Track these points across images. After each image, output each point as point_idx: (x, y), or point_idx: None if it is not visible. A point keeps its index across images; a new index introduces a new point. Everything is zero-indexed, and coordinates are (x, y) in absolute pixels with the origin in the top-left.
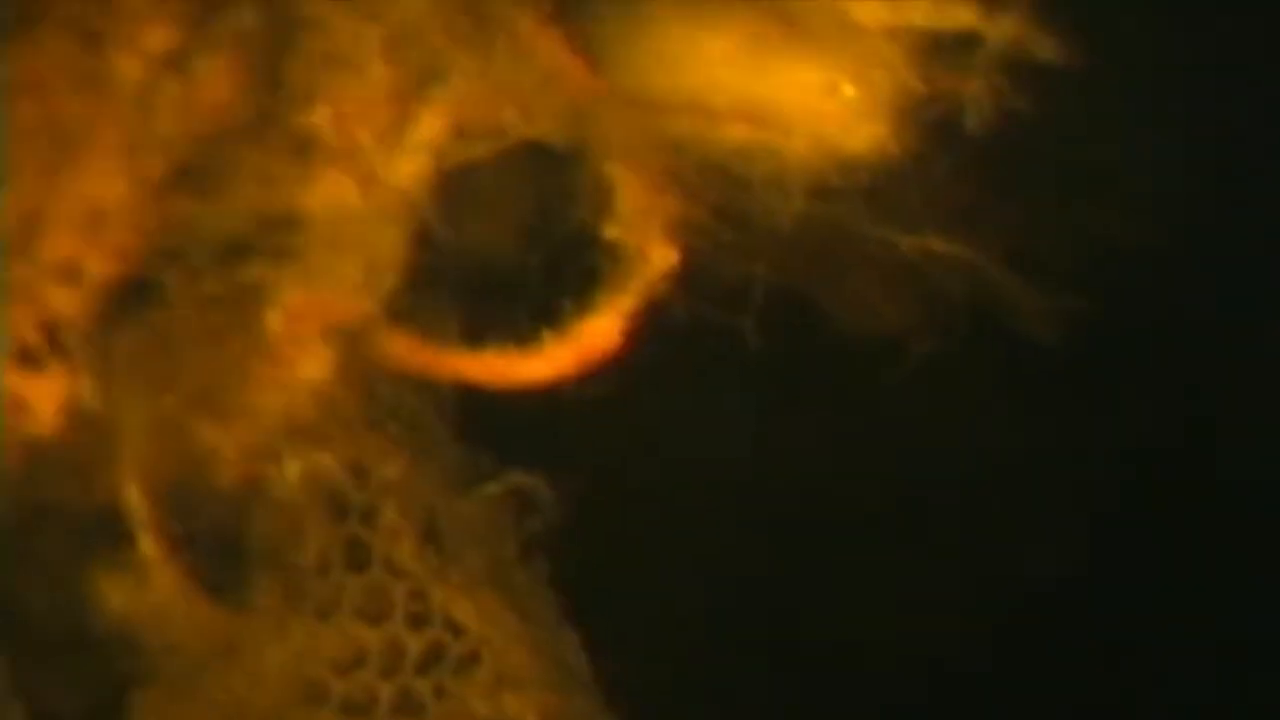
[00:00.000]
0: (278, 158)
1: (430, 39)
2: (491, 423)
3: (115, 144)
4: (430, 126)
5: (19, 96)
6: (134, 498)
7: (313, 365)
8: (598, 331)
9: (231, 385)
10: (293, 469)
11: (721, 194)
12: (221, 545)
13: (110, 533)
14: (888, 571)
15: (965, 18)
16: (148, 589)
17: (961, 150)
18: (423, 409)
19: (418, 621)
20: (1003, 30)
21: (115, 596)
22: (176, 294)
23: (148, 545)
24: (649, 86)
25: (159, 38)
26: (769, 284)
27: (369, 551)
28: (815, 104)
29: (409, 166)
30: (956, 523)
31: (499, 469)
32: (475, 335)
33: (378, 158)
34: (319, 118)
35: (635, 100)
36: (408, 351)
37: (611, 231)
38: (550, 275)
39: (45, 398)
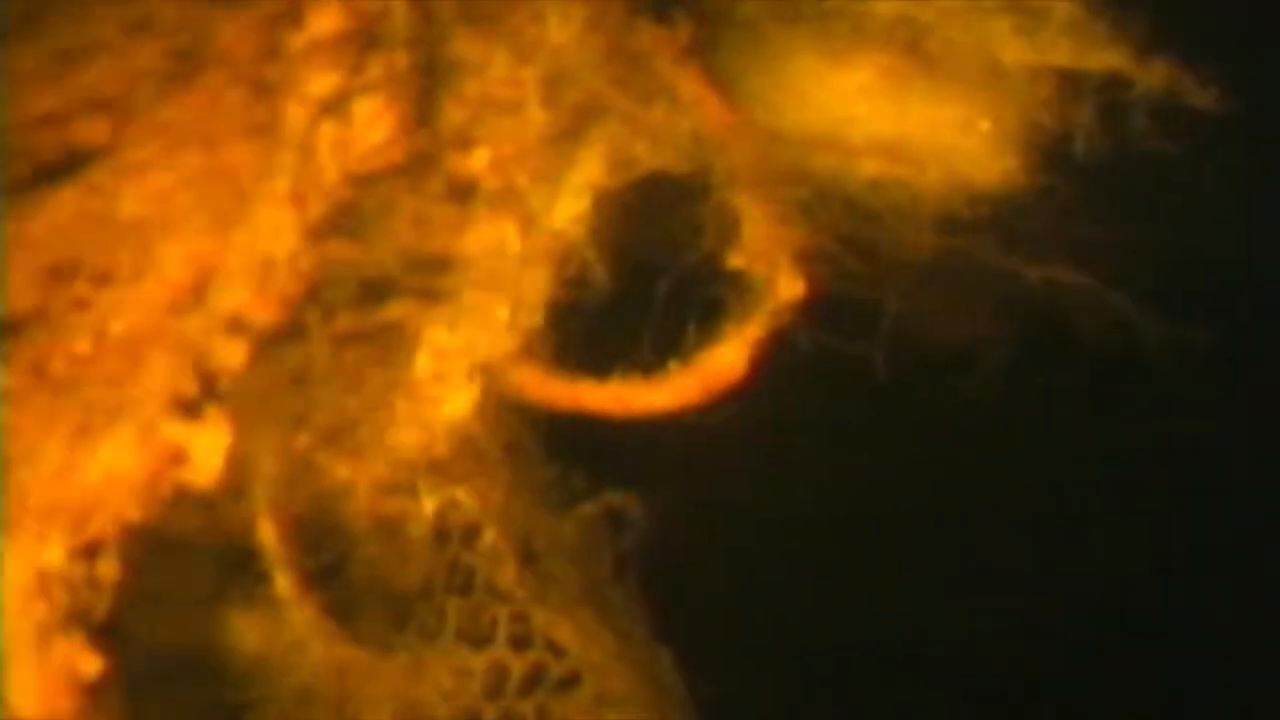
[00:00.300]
0: (433, 200)
1: (584, 80)
2: (585, 443)
3: (284, 193)
4: (590, 168)
5: (186, 146)
6: (268, 535)
7: (457, 403)
8: (723, 360)
9: (369, 422)
10: (428, 504)
11: (850, 225)
12: (352, 580)
13: (243, 570)
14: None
15: (1112, 60)
16: (283, 626)
17: (1090, 184)
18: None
19: (520, 644)
20: (1153, 75)
21: (248, 634)
22: (313, 333)
23: (283, 583)
24: (784, 120)
25: (321, 83)
26: (896, 313)
27: (472, 576)
28: (950, 139)
29: (569, 209)
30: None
31: (593, 489)
32: (600, 365)
33: (536, 200)
34: (477, 161)
35: (770, 133)
36: (535, 384)
37: (737, 261)
38: (676, 305)
39: (206, 448)
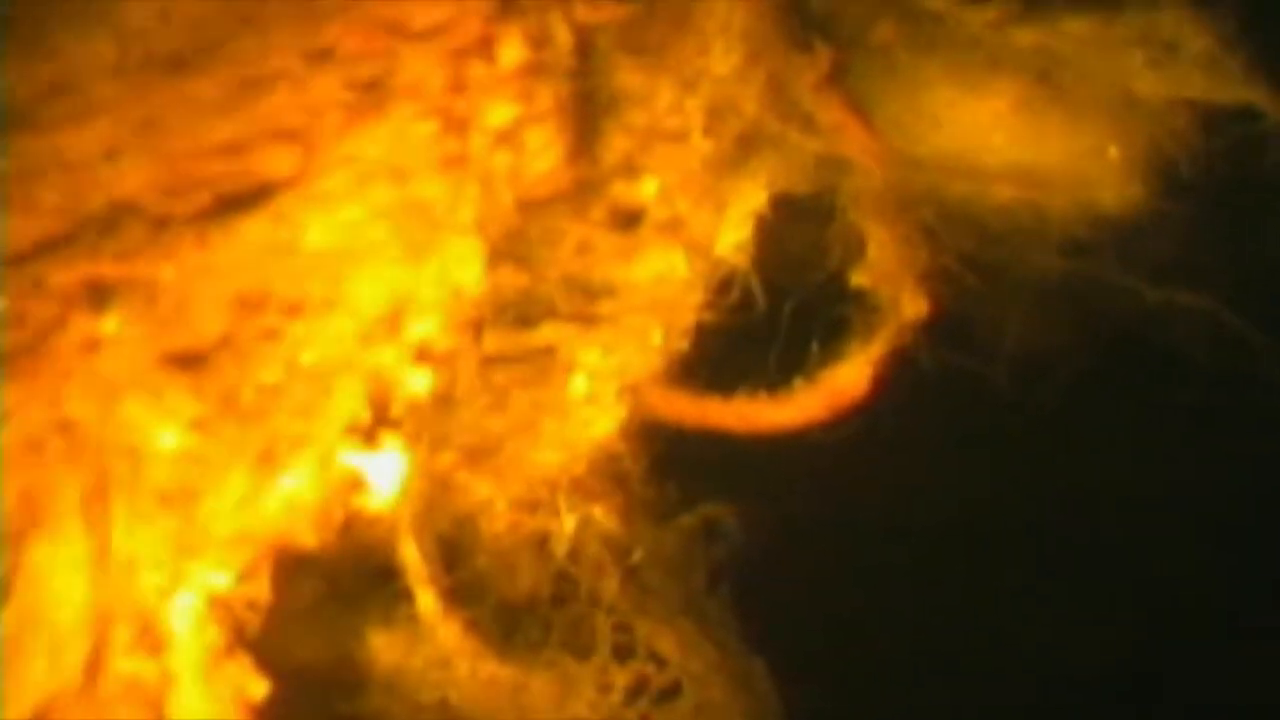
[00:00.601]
0: (597, 227)
1: (746, 110)
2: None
3: (469, 222)
4: (752, 196)
5: (375, 178)
6: (410, 553)
7: (604, 424)
8: (847, 378)
9: (513, 442)
10: (569, 522)
11: (976, 247)
12: (493, 597)
13: (383, 588)
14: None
15: (1244, 94)
16: (425, 643)
17: (1215, 211)
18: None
19: (623, 654)
20: None
21: (389, 651)
22: (462, 355)
23: (425, 600)
24: (920, 146)
25: (501, 114)
26: (1020, 333)
27: (576, 587)
28: (1079, 165)
29: (732, 236)
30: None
31: (691, 500)
32: (727, 383)
33: (701, 227)
34: (645, 189)
35: (906, 159)
36: (663, 401)
37: (862, 280)
38: (801, 323)
39: (382, 474)
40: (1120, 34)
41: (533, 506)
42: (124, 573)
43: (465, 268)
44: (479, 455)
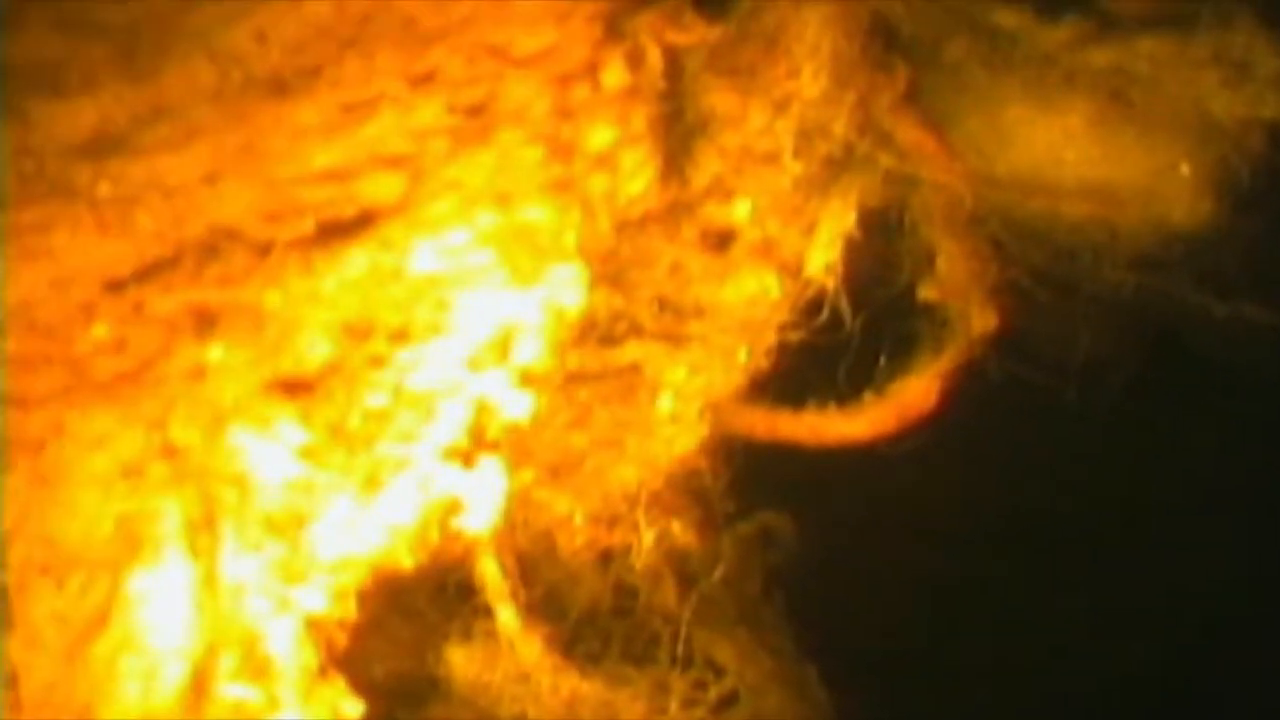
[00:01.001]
0: (689, 248)
1: (835, 132)
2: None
3: (573, 247)
4: (841, 218)
5: (480, 204)
6: (490, 570)
7: (687, 441)
8: (916, 391)
9: (594, 459)
10: (648, 537)
11: (1047, 262)
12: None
13: (462, 604)
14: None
15: None
16: (505, 659)
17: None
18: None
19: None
20: None
21: (469, 667)
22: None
23: (506, 616)
24: (993, 163)
25: (601, 137)
26: (1090, 347)
27: (635, 596)
28: (1151, 183)
29: (822, 257)
30: None
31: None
32: (796, 396)
33: (793, 248)
34: (739, 211)
35: (982, 177)
36: (733, 414)
37: (931, 294)
38: (870, 336)
39: (481, 496)
40: (1194, 54)
41: (611, 522)
42: (230, 599)
43: (569, 292)
44: (559, 471)
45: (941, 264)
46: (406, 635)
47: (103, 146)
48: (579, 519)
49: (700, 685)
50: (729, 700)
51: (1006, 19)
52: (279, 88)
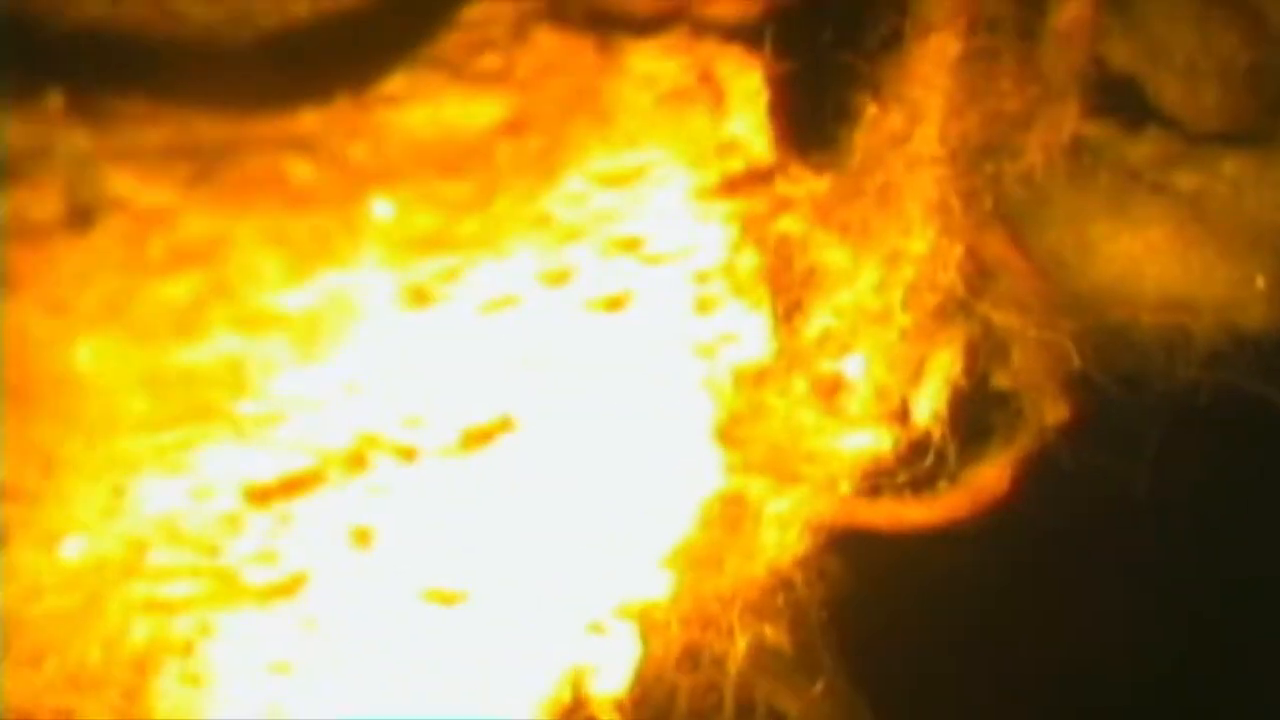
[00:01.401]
0: (800, 402)
1: (941, 284)
2: None
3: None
4: (949, 365)
5: None
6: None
7: (785, 558)
8: (989, 478)
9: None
10: (741, 642)
11: (1121, 358)
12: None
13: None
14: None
15: None
16: None
17: None
18: None
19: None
20: None
21: None
22: None
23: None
24: (1074, 274)
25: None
26: (1161, 440)
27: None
28: (1227, 293)
29: (930, 406)
30: None
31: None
32: (871, 482)
33: (901, 398)
34: (852, 365)
35: (1065, 291)
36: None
37: (1004, 382)
38: (945, 423)
39: (613, 661)
40: (1273, 175)
41: (704, 625)
42: None
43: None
44: None
45: (1016, 355)
46: None
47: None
48: (674, 625)
49: None
50: None
51: (1090, 131)
52: (418, 297)
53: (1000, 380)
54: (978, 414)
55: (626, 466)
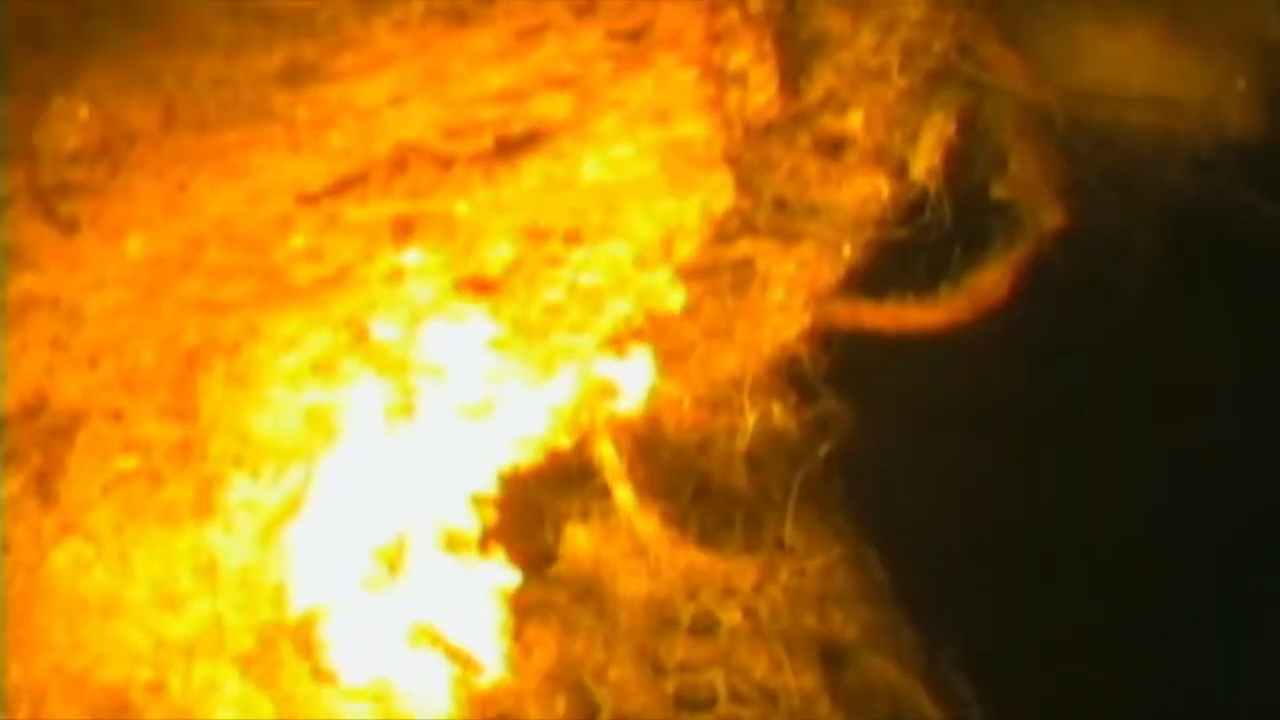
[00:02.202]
0: (805, 155)
1: (934, 48)
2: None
3: (720, 155)
4: (943, 126)
5: (642, 120)
6: (606, 451)
7: (791, 330)
8: (989, 283)
9: (703, 347)
10: (750, 419)
11: (1110, 163)
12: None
13: (580, 485)
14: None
15: None
16: (623, 536)
17: None
18: None
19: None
20: None
21: (588, 545)
22: None
23: (623, 495)
24: (1064, 75)
25: (740, 57)
26: (1150, 243)
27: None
28: (1211, 93)
29: (925, 162)
30: None
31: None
32: (876, 286)
33: (900, 154)
34: (852, 121)
35: (1056, 88)
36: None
37: (1003, 192)
38: (946, 231)
39: (634, 382)
40: None
41: (715, 405)
42: (423, 480)
43: (720, 196)
44: (670, 359)
45: (1014, 165)
46: (530, 518)
47: (297, 75)
48: (687, 403)
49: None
50: (799, 577)
51: None
52: (458, 17)
53: (999, 190)
54: (978, 222)
55: (650, 186)
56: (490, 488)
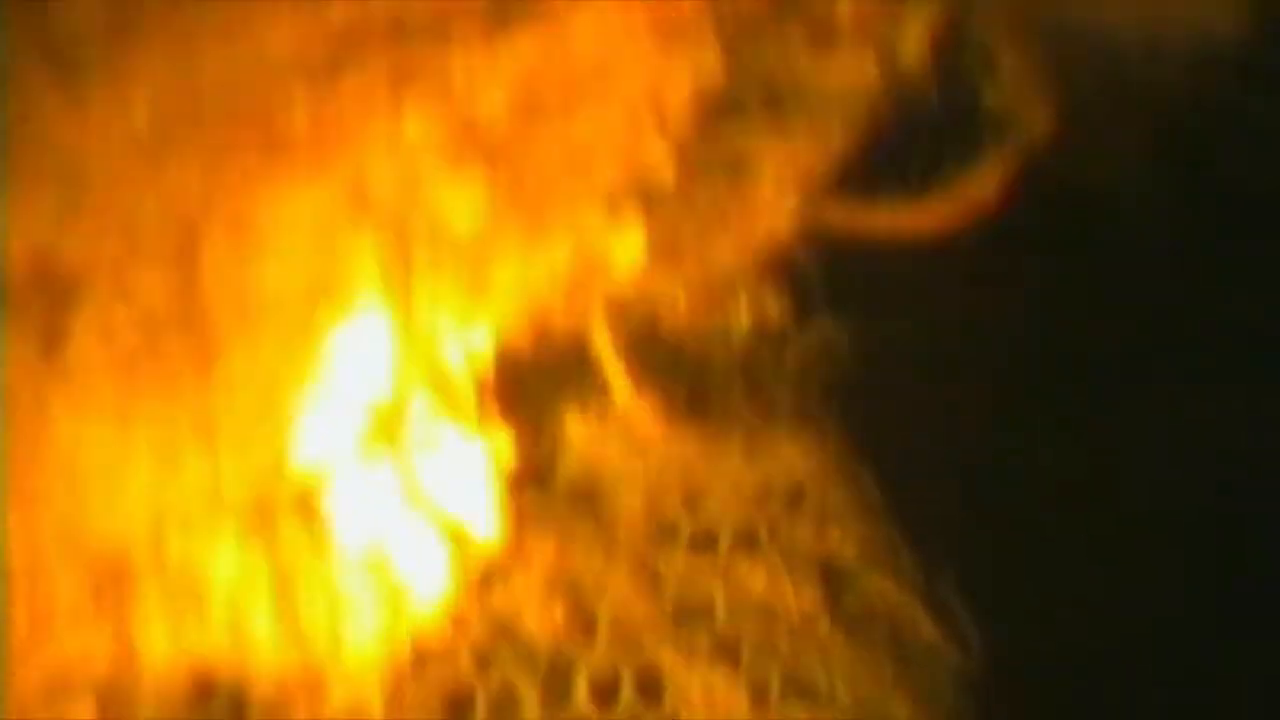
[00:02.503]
0: (796, 41)
1: None
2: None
3: (708, 34)
4: (929, 13)
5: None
6: (603, 344)
7: (782, 220)
8: (978, 187)
9: (698, 238)
10: (745, 312)
11: (1101, 65)
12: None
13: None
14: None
15: None
16: (620, 427)
17: None
18: None
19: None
20: None
21: (586, 437)
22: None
23: (619, 387)
24: None
25: None
26: (1143, 148)
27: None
28: None
29: (913, 49)
30: None
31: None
32: (869, 190)
33: (888, 40)
34: (841, 7)
35: None
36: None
37: (993, 99)
38: (937, 137)
39: (626, 252)
40: None
41: (710, 300)
42: (426, 338)
43: (710, 74)
44: (665, 253)
45: (1002, 70)
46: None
47: None
48: (682, 299)
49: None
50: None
51: None
52: None
53: (990, 97)
54: (969, 129)
55: (643, 57)
56: (488, 352)
